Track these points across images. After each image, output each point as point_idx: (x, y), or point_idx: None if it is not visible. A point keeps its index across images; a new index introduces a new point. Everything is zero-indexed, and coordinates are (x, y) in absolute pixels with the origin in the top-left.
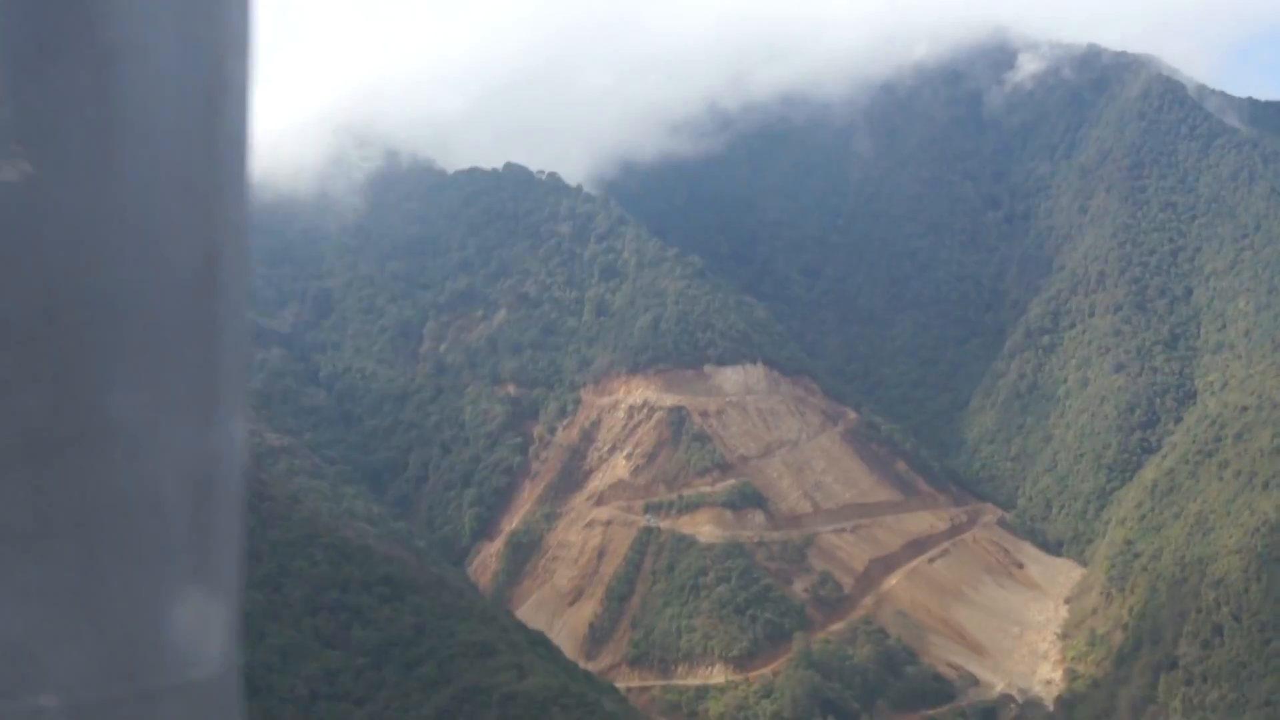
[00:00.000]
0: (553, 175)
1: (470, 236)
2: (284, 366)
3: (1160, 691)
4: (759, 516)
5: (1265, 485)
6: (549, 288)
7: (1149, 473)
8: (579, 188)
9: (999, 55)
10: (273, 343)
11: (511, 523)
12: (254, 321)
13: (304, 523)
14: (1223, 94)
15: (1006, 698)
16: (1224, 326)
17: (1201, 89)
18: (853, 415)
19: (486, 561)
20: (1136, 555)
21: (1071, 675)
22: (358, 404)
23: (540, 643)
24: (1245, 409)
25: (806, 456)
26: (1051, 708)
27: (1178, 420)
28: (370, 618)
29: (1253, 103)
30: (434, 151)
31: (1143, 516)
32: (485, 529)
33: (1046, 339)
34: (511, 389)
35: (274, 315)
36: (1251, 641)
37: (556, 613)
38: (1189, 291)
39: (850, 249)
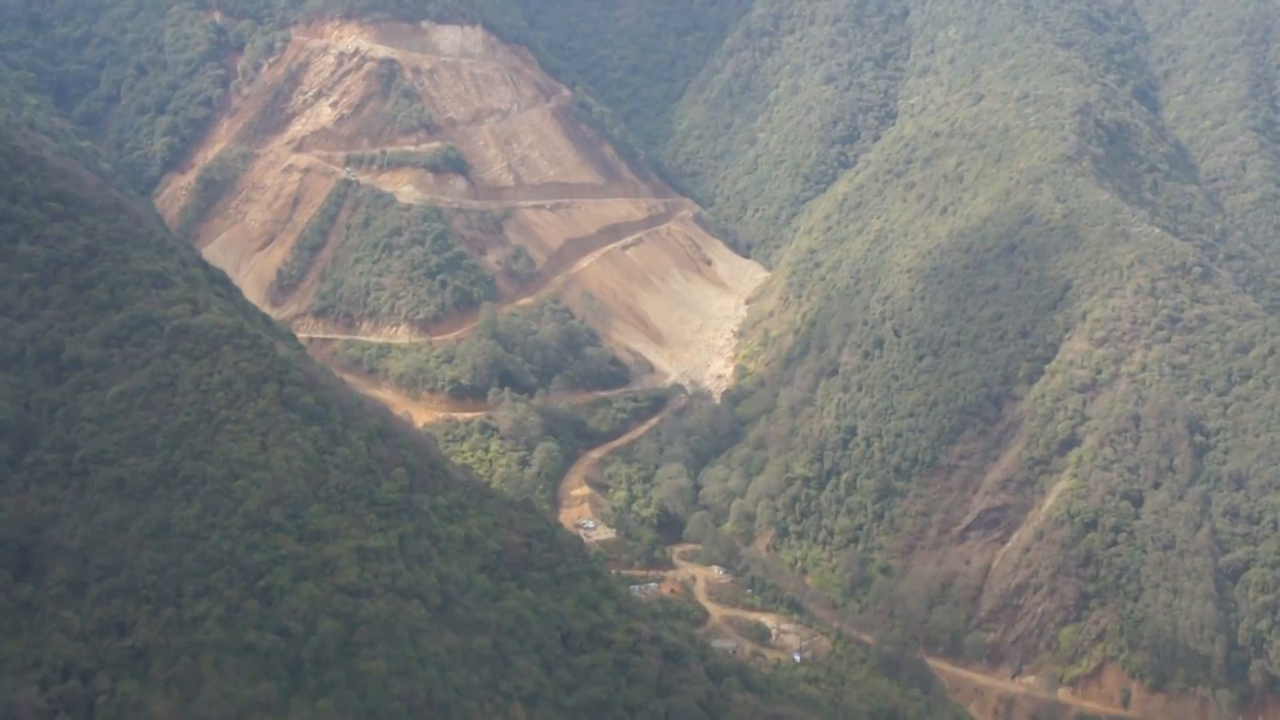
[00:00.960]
0: None
1: None
2: None
3: (819, 394)
4: (460, 183)
5: (944, 210)
6: None
7: (841, 186)
8: None
9: None
10: None
11: (205, 157)
12: None
13: None
14: None
15: (678, 387)
16: (932, 51)
17: None
18: (566, 93)
19: (176, 194)
20: (817, 265)
21: (741, 372)
22: (48, 8)
23: (220, 281)
24: (937, 134)
25: (515, 128)
26: (718, 400)
27: (876, 139)
28: (40, 234)
29: None
30: None
31: (829, 229)
32: (177, 160)
33: (766, 41)
34: (218, 16)
35: None
36: (906, 356)
37: (245, 255)
38: (906, 12)
39: None
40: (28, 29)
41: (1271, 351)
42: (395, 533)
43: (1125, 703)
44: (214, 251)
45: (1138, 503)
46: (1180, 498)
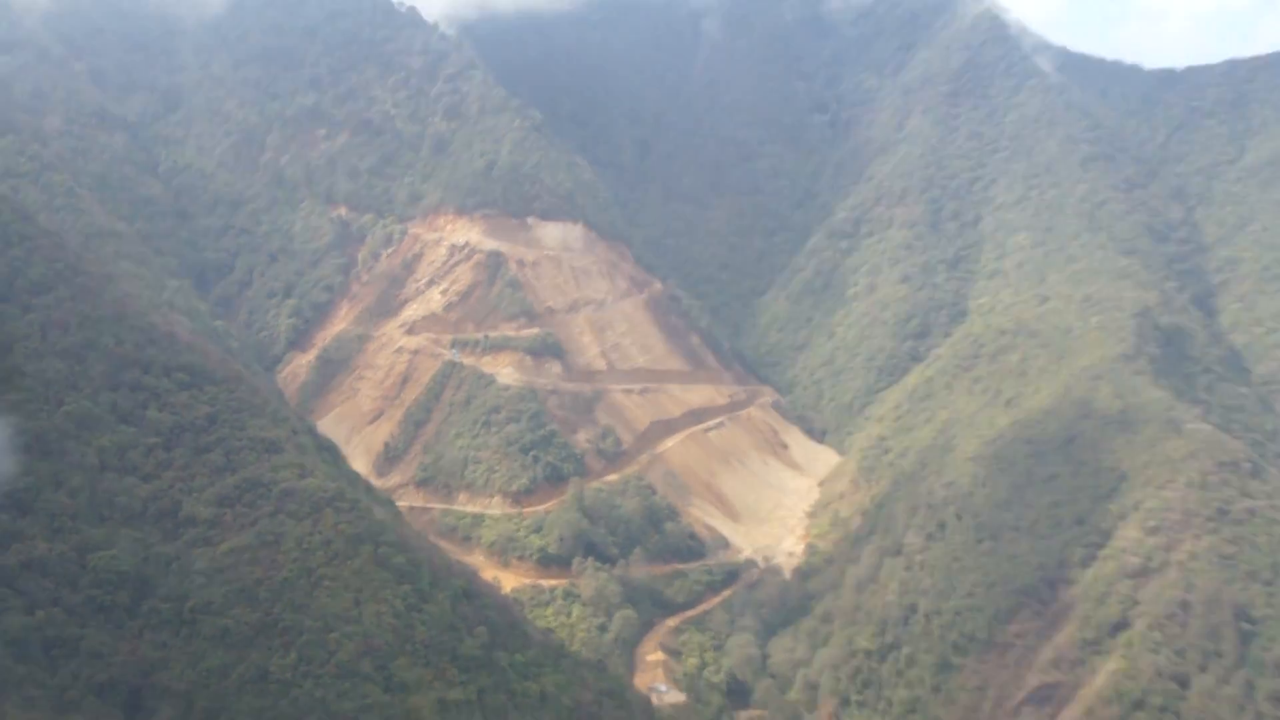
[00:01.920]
0: (412, 9)
1: (325, 55)
2: (125, 154)
3: (883, 572)
4: (556, 367)
5: (1007, 403)
6: (393, 118)
7: (912, 379)
8: (435, 25)
9: None
10: (117, 128)
11: (325, 338)
12: (100, 104)
13: (115, 302)
14: (1041, 38)
15: (751, 562)
16: (1001, 256)
17: (1023, 30)
18: (658, 286)
19: (297, 371)
20: (886, 451)
21: (811, 550)
22: (193, 202)
23: (328, 449)
24: (1004, 332)
25: (609, 317)
26: (788, 576)
27: (947, 335)
28: (167, 401)
29: (1066, 52)
30: None
31: (899, 417)
32: (299, 340)
33: (846, 243)
34: (343, 211)
35: (121, 102)
36: (967, 539)
37: (356, 428)
38: (978, 219)
39: (683, 129)
40: (174, 220)
41: None
42: (475, 686)
43: None
44: (328, 424)
45: (1185, 684)
46: (1226, 681)
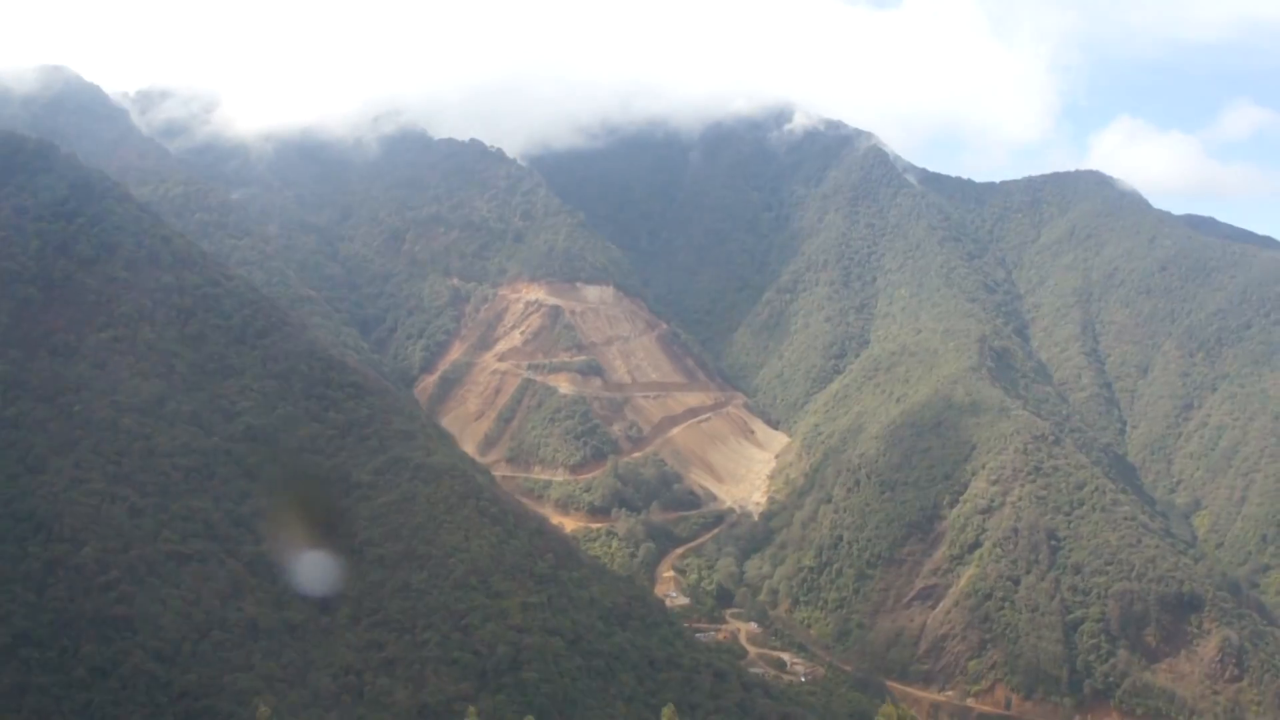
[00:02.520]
0: (499, 150)
1: (443, 180)
2: (316, 248)
3: (819, 514)
4: (597, 381)
5: (897, 400)
6: (487, 220)
7: (835, 385)
8: (514, 160)
9: (783, 113)
10: (311, 231)
11: (444, 365)
12: (300, 216)
13: (309, 342)
14: (909, 162)
15: (731, 510)
16: (891, 303)
17: (897, 157)
18: (665, 326)
19: (426, 388)
20: (820, 433)
21: (771, 500)
22: (360, 277)
23: (446, 438)
24: (893, 354)
25: (632, 348)
26: (756, 518)
27: (857, 356)
28: (342, 405)
29: (925, 171)
30: (426, 124)
31: (827, 411)
32: (428, 367)
33: (788, 296)
34: (456, 281)
35: (314, 214)
36: (874, 491)
37: (465, 426)
38: (874, 279)
39: (679, 223)
40: (347, 289)
41: (1096, 488)
42: (545, 593)
43: (1008, 707)
44: (447, 422)
45: (1016, 583)
46: (1042, 580)
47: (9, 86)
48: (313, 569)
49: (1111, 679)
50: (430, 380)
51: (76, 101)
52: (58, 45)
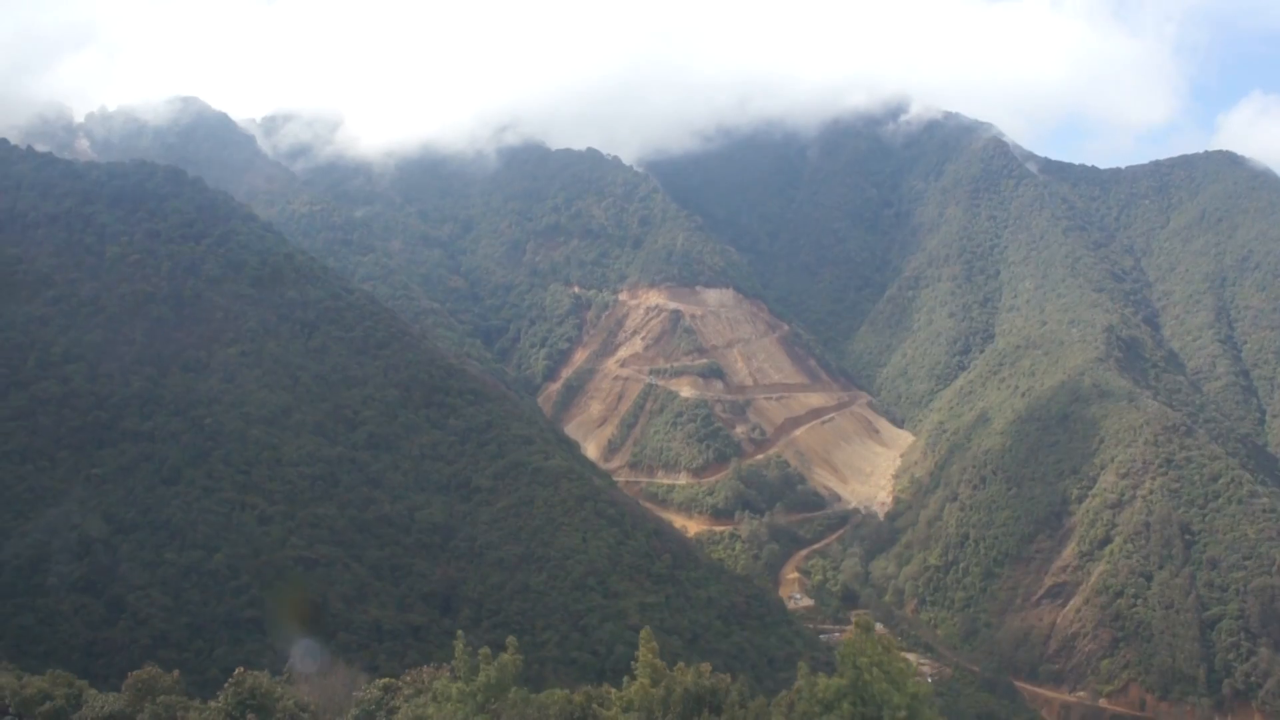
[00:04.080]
0: (615, 157)
1: (561, 190)
2: (439, 261)
3: (944, 513)
4: (719, 384)
5: (1023, 394)
6: (606, 227)
7: (959, 382)
8: (630, 167)
9: (900, 106)
10: (434, 245)
11: (568, 372)
12: (423, 231)
13: (428, 351)
14: (1030, 152)
15: (856, 510)
16: (1016, 296)
17: (1018, 147)
18: (786, 327)
19: (550, 395)
20: (944, 430)
21: (897, 500)
22: (482, 288)
23: (565, 442)
24: (1018, 347)
25: (753, 350)
26: (881, 518)
27: (981, 351)
28: (461, 412)
29: (1048, 160)
30: (543, 135)
31: (951, 407)
32: (551, 374)
33: (910, 292)
34: (577, 289)
35: (437, 228)
36: (1001, 487)
37: (589, 432)
38: (998, 272)
39: (798, 222)
40: (470, 301)
41: (1232, 480)
42: (663, 593)
43: (1142, 708)
44: (571, 429)
45: (1149, 579)
46: (1176, 575)
47: (143, 119)
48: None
49: (1253, 679)
50: (554, 388)
51: (206, 130)
52: (188, 77)
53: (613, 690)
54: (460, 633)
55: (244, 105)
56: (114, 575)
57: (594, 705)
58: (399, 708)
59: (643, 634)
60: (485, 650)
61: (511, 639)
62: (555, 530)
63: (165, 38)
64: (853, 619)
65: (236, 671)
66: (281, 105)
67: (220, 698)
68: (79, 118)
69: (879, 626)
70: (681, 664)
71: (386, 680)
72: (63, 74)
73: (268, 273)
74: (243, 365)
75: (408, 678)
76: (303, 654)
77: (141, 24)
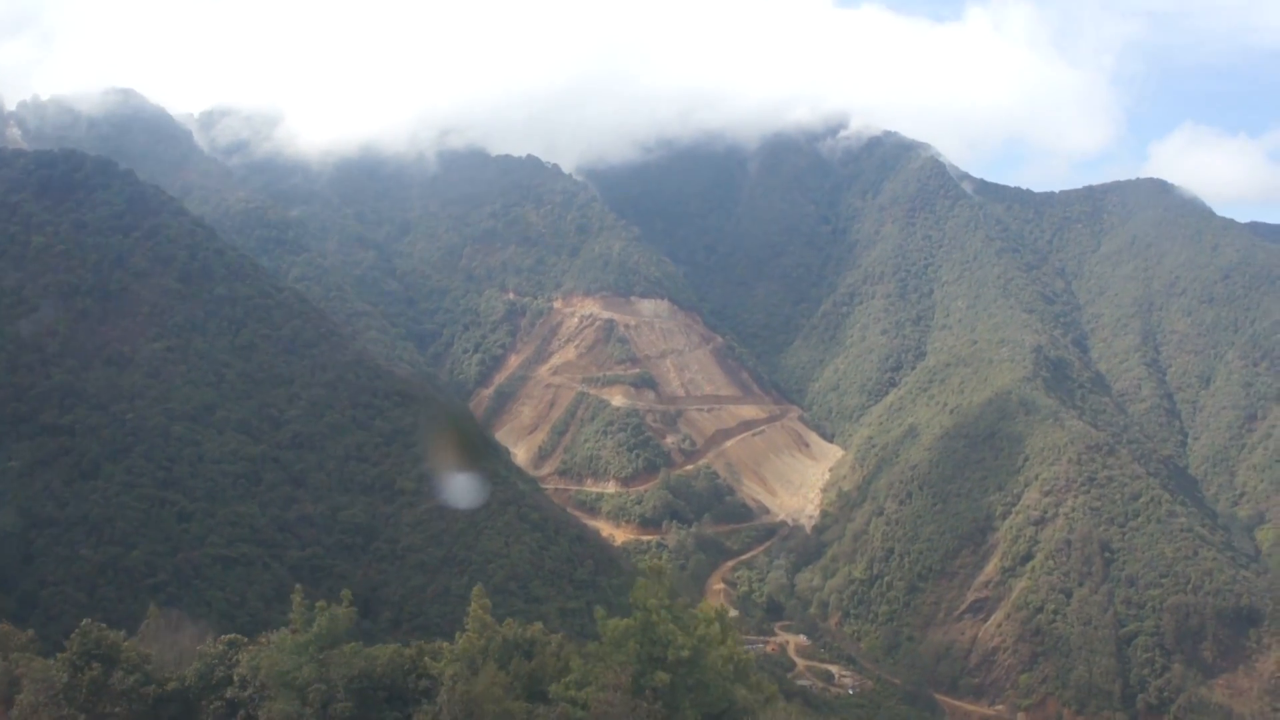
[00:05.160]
0: (555, 165)
1: (499, 196)
2: (375, 264)
3: (870, 527)
4: (651, 394)
5: (951, 411)
6: (543, 234)
7: (890, 398)
8: (570, 174)
9: (840, 124)
10: (369, 247)
11: (501, 378)
12: (359, 232)
13: (356, 352)
14: (965, 173)
15: (783, 522)
16: (948, 314)
17: (954, 168)
18: (720, 339)
19: (482, 400)
20: (873, 446)
21: (824, 513)
22: (417, 293)
23: (494, 446)
24: (948, 364)
25: (686, 361)
26: (809, 530)
27: (912, 368)
28: (387, 414)
29: (983, 182)
30: (484, 140)
31: (881, 423)
32: (484, 380)
33: (845, 308)
34: (512, 295)
35: (373, 230)
36: (926, 502)
37: (520, 438)
38: (931, 291)
39: (735, 236)
40: (404, 305)
41: (1152, 499)
42: (584, 599)
43: None
44: (503, 434)
45: (1069, 595)
46: (1095, 592)
47: (78, 109)
48: None
49: (1166, 694)
50: (486, 393)
51: (142, 123)
52: (126, 69)
53: (445, 644)
54: (298, 587)
55: (182, 99)
56: (27, 570)
57: (425, 658)
58: (240, 661)
59: (475, 591)
60: (321, 603)
61: (346, 591)
62: (478, 534)
63: (103, 28)
64: (776, 630)
65: (83, 622)
66: (220, 100)
67: (66, 648)
68: (10, 105)
69: (802, 638)
70: (510, 620)
71: (232, 636)
72: None
73: (196, 268)
74: (168, 361)
75: (261, 638)
76: (160, 619)
77: (80, 13)
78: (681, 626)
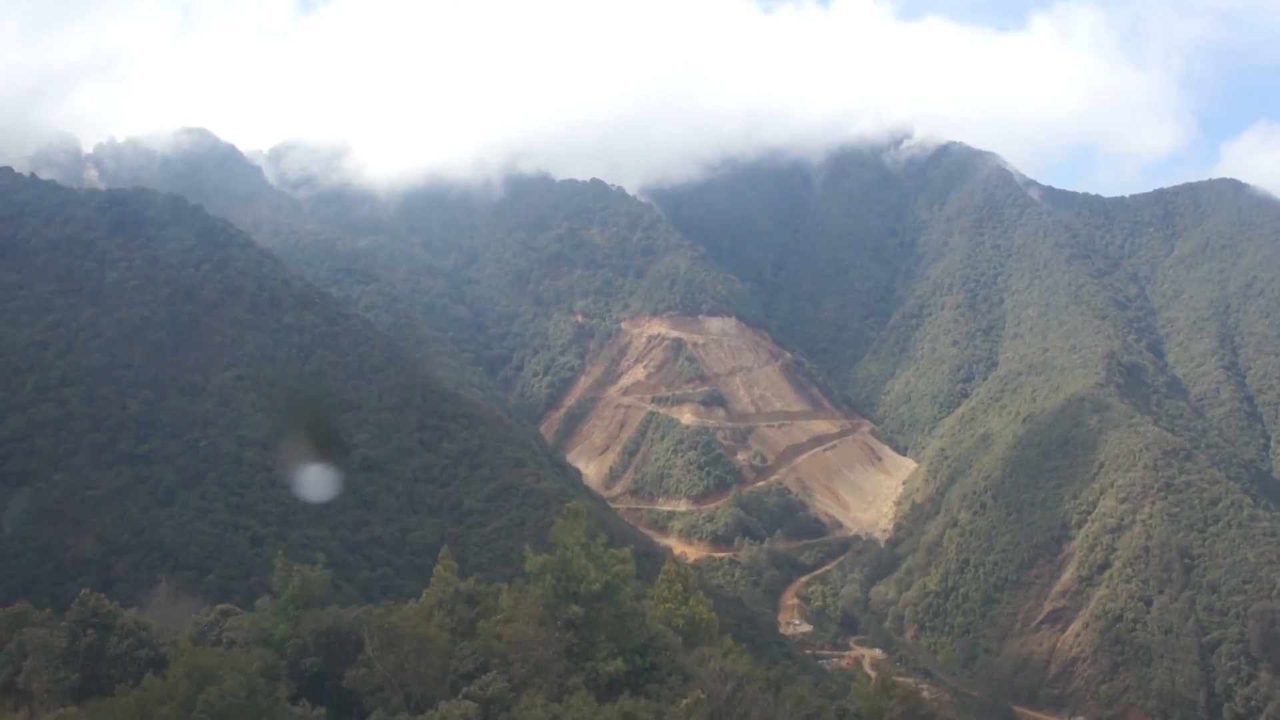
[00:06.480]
0: (619, 187)
1: (565, 220)
2: (443, 291)
3: (944, 539)
4: (721, 412)
5: (1024, 420)
6: (609, 256)
7: (962, 409)
8: (635, 196)
9: (903, 134)
10: (438, 275)
11: (570, 400)
12: (427, 260)
13: (423, 376)
14: (1033, 180)
15: (857, 537)
16: (1019, 323)
17: (1021, 175)
18: (789, 355)
19: (553, 422)
20: (946, 457)
21: (897, 526)
22: (486, 317)
23: (560, 465)
24: (1020, 374)
25: (756, 378)
26: (882, 544)
27: (984, 378)
28: (455, 436)
29: (1051, 189)
30: (548, 165)
31: (953, 434)
32: (554, 402)
33: (914, 320)
34: (580, 318)
35: (441, 258)
36: (1000, 513)
37: (591, 459)
38: (1001, 300)
39: (802, 251)
40: (474, 330)
41: (1232, 504)
42: None
43: None
44: (574, 456)
45: (1148, 603)
46: (1175, 600)
47: (151, 149)
48: None
49: (1254, 703)
50: (557, 415)
51: (214, 160)
52: (198, 108)
53: (411, 601)
54: (281, 550)
55: (252, 136)
56: (110, 596)
57: (391, 615)
58: (230, 626)
59: (441, 551)
60: (299, 567)
61: (321, 554)
62: (546, 552)
63: (176, 70)
64: (851, 644)
65: (82, 593)
66: (288, 135)
67: (66, 617)
68: (88, 148)
69: (877, 651)
70: (473, 578)
71: (224, 605)
72: (75, 104)
73: (265, 298)
74: (239, 389)
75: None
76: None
77: (154, 56)
78: (596, 563)
